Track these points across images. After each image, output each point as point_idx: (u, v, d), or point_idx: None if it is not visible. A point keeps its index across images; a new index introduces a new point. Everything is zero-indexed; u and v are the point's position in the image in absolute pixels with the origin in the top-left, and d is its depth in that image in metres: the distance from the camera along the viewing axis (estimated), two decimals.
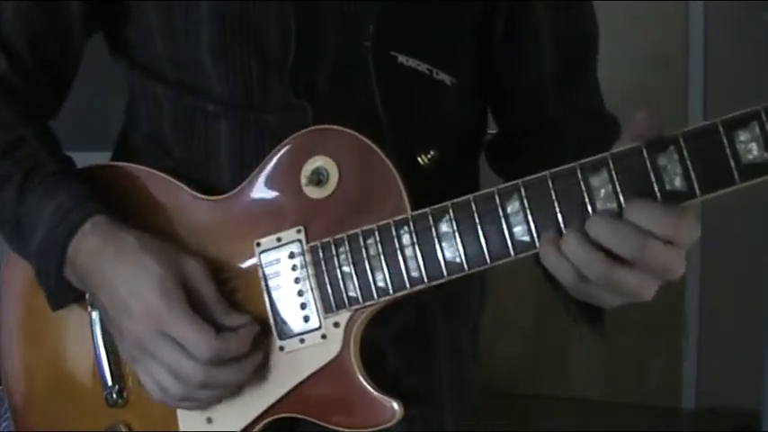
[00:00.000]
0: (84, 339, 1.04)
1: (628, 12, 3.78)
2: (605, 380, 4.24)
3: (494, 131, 1.17)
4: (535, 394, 4.25)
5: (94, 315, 1.03)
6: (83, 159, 1.06)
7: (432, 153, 0.97)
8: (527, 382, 4.27)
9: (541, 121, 1.10)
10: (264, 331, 0.95)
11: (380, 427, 0.93)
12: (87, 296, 1.01)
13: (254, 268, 0.96)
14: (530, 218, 0.81)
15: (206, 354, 0.89)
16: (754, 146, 0.71)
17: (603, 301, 0.84)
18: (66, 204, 0.96)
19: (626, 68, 3.74)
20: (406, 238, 0.88)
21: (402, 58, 0.99)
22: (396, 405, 0.91)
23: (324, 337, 0.93)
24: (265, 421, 0.97)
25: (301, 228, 0.94)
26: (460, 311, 1.14)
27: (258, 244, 0.96)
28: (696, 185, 0.74)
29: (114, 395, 1.03)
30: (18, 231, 0.99)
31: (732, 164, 0.72)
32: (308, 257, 0.93)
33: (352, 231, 0.91)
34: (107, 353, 1.03)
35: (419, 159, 0.97)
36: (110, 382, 1.03)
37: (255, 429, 0.97)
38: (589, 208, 0.79)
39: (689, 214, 0.75)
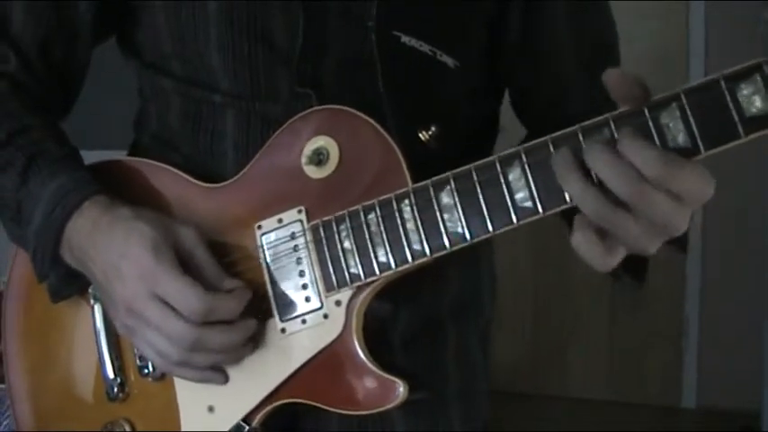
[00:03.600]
0: (86, 335, 1.04)
1: (629, 11, 3.79)
2: (605, 379, 4.24)
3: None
4: (534, 394, 4.25)
5: (97, 308, 1.02)
6: (90, 158, 1.06)
7: (433, 129, 0.97)
8: (526, 381, 4.27)
9: (564, 120, 1.08)
10: (266, 314, 0.95)
11: (385, 408, 0.91)
12: (90, 289, 1.01)
13: (256, 251, 0.96)
14: (531, 184, 0.81)
15: (195, 309, 0.89)
16: (757, 98, 0.70)
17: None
18: (66, 186, 0.96)
19: (626, 68, 3.73)
20: (407, 212, 0.88)
21: (405, 39, 1.00)
22: (401, 386, 0.91)
23: (326, 316, 0.93)
24: (268, 408, 0.96)
25: (302, 208, 0.94)
26: (470, 315, 1.14)
27: (260, 226, 0.96)
28: (700, 141, 0.73)
29: (116, 389, 1.03)
30: (18, 216, 0.99)
31: (735, 117, 0.71)
32: (309, 236, 0.93)
33: (352, 208, 0.91)
34: (109, 346, 1.03)
35: (420, 135, 0.96)
36: (111, 375, 1.03)
37: (258, 417, 0.96)
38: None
39: (689, 165, 0.73)
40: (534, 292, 4.23)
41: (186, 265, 0.91)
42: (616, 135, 0.76)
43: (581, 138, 0.78)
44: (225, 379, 0.96)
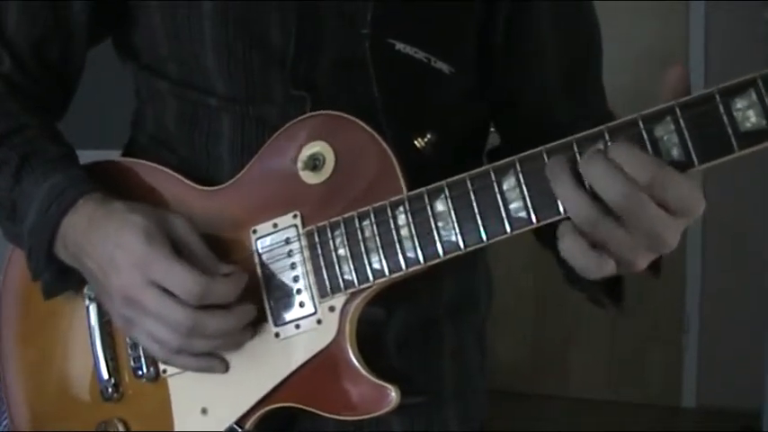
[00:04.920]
0: (81, 335, 1.04)
1: (628, 12, 3.80)
2: (605, 379, 4.24)
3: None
4: (535, 394, 4.25)
5: (92, 308, 1.03)
6: (87, 157, 1.06)
7: (428, 136, 0.97)
8: (526, 381, 4.27)
9: (549, 126, 1.08)
10: (260, 318, 0.95)
11: (377, 414, 0.92)
12: (86, 289, 1.02)
13: (251, 255, 0.96)
14: (526, 193, 0.81)
15: (191, 291, 0.88)
16: (751, 113, 0.70)
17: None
18: (61, 184, 0.96)
19: (626, 68, 3.75)
20: (401, 219, 0.88)
21: (400, 46, 1.00)
22: (393, 391, 0.91)
23: (319, 322, 0.93)
24: (261, 411, 0.96)
25: (297, 213, 0.94)
26: (467, 314, 1.14)
27: (254, 231, 0.96)
28: (694, 155, 0.73)
29: (110, 389, 1.03)
30: (14, 215, 0.99)
31: (730, 131, 0.71)
32: (304, 242, 0.93)
33: (347, 214, 0.91)
34: (103, 347, 1.03)
35: (416, 143, 0.96)
36: (105, 376, 1.03)
37: (251, 421, 0.96)
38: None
39: (682, 175, 0.73)
40: (534, 291, 4.23)
41: (180, 254, 0.91)
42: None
43: (576, 149, 0.78)
44: (225, 367, 0.96)
